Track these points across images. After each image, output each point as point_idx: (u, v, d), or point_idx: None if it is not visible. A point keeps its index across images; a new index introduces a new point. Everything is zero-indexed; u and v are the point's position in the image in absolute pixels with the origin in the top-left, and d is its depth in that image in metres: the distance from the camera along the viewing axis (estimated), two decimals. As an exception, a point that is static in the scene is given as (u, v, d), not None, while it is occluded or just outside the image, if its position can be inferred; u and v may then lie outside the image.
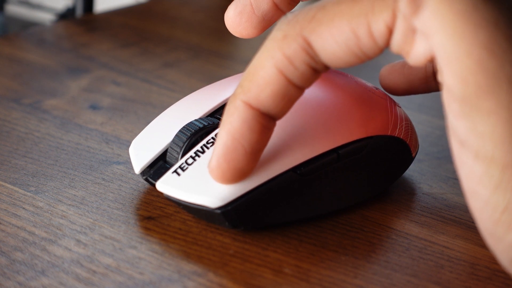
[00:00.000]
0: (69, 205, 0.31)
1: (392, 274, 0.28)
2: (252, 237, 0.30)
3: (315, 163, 0.30)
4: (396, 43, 0.25)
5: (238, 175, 0.28)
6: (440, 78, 0.24)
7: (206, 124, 0.31)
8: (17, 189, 0.32)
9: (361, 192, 0.32)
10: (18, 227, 0.30)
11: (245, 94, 0.27)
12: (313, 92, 0.31)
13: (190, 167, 0.30)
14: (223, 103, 0.32)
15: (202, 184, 0.29)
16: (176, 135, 0.31)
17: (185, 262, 0.28)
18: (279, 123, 0.29)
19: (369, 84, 0.33)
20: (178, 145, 0.31)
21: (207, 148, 0.30)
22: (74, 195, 0.32)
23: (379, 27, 0.25)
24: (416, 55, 0.25)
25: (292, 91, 0.27)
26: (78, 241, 0.29)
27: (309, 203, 0.31)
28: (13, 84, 0.44)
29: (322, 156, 0.30)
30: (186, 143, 0.31)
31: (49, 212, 0.31)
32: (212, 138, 0.30)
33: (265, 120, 0.27)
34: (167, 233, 0.30)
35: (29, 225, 0.30)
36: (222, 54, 0.52)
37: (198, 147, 0.30)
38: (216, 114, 0.32)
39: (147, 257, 0.28)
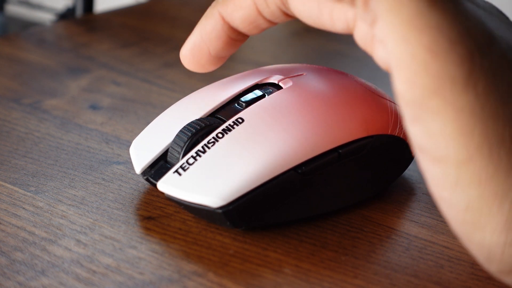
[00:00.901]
0: (69, 205, 0.31)
1: (392, 274, 0.28)
2: (252, 237, 0.30)
3: (316, 162, 0.30)
4: (359, 40, 0.27)
5: (200, 69, 0.32)
6: (394, 86, 0.25)
7: (207, 123, 0.31)
8: (17, 189, 0.32)
9: (362, 191, 0.32)
10: (18, 227, 0.30)
11: (222, 6, 0.30)
12: (314, 92, 0.32)
13: (191, 167, 0.30)
14: (224, 103, 0.32)
15: (203, 184, 0.29)
16: (177, 135, 0.31)
17: (185, 262, 0.28)
18: (279, 122, 0.29)
19: (369, 84, 0.33)
20: (179, 145, 0.31)
21: (208, 148, 0.30)
22: (74, 195, 0.32)
23: (340, 19, 0.27)
24: (378, 59, 0.26)
25: (261, 21, 0.30)
26: (78, 241, 0.29)
27: (310, 202, 0.31)
28: (13, 84, 0.44)
29: (323, 156, 0.30)
30: (187, 143, 0.31)
31: (49, 212, 0.31)
32: (213, 137, 0.30)
33: (234, 34, 0.31)
34: (167, 233, 0.30)
35: (29, 225, 0.30)
36: (222, 54, 0.52)
37: (199, 146, 0.30)
38: (217, 114, 0.32)
39: (147, 257, 0.28)
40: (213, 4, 0.31)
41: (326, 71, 0.33)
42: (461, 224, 0.25)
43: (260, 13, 0.29)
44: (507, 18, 0.29)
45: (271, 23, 0.30)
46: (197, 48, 0.31)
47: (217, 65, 0.32)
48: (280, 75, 0.33)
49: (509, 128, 0.23)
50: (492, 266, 0.25)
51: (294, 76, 0.32)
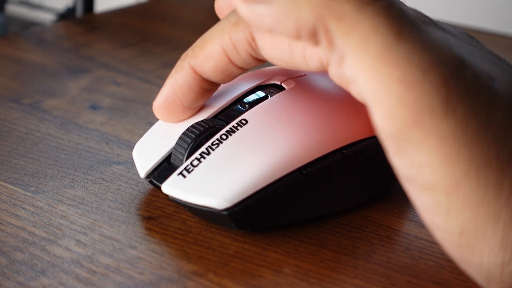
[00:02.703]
0: (69, 205, 0.31)
1: (392, 274, 0.28)
2: (252, 237, 0.30)
3: (320, 163, 0.30)
4: (333, 77, 0.27)
5: (173, 120, 0.32)
6: (373, 121, 0.25)
7: (210, 125, 0.31)
8: (17, 189, 0.32)
9: (365, 191, 0.32)
10: (18, 227, 0.30)
11: (192, 58, 0.30)
12: (317, 92, 0.32)
13: (195, 169, 0.30)
14: (227, 104, 0.32)
15: (208, 185, 0.29)
16: (181, 137, 0.31)
17: (185, 262, 0.28)
18: (283, 123, 0.29)
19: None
20: (183, 147, 0.31)
21: (212, 149, 0.30)
22: (74, 195, 0.32)
23: (313, 58, 0.27)
24: (355, 95, 0.26)
25: (233, 69, 0.30)
26: (78, 241, 0.29)
27: (315, 203, 0.31)
28: (13, 84, 0.44)
29: (327, 156, 0.30)
30: (191, 145, 0.31)
31: (49, 212, 0.31)
32: (217, 139, 0.30)
33: (206, 84, 0.31)
34: (167, 233, 0.30)
35: (29, 225, 0.30)
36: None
37: (203, 148, 0.30)
38: (220, 115, 0.32)
39: (147, 257, 0.28)
40: (183, 56, 0.31)
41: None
42: (457, 249, 0.25)
43: (231, 61, 0.30)
44: (477, 42, 0.29)
45: (243, 69, 0.30)
46: (170, 101, 0.31)
47: (189, 114, 0.32)
48: (283, 76, 0.33)
49: (494, 149, 0.23)
50: (492, 286, 0.25)
51: (297, 76, 0.32)
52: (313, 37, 0.25)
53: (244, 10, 0.25)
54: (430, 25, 0.26)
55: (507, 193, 0.23)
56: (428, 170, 0.24)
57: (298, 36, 0.25)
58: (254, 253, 0.29)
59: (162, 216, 0.31)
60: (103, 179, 0.34)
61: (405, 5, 0.25)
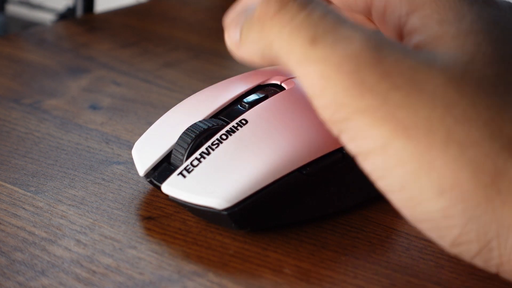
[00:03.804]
0: (69, 205, 0.31)
1: (392, 274, 0.28)
2: (252, 237, 0.30)
3: (320, 163, 0.30)
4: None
5: None
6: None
7: (210, 125, 0.31)
8: (17, 189, 0.32)
9: (365, 191, 0.32)
10: (18, 227, 0.30)
11: None
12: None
13: (195, 169, 0.30)
14: (227, 104, 0.32)
15: (208, 185, 0.29)
16: (181, 136, 0.31)
17: (185, 262, 0.28)
18: (283, 123, 0.29)
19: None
20: (183, 147, 0.31)
21: (212, 149, 0.30)
22: (74, 195, 0.32)
23: None
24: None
25: None
26: (78, 241, 0.29)
27: (315, 203, 0.31)
28: (13, 84, 0.44)
29: (328, 156, 0.30)
30: (191, 145, 0.31)
31: (49, 212, 0.31)
32: (217, 139, 0.30)
33: None
34: (167, 233, 0.30)
35: (29, 225, 0.30)
36: (222, 54, 0.52)
37: (203, 148, 0.30)
38: (220, 115, 0.32)
39: (147, 257, 0.28)
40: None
41: None
42: (404, 206, 0.25)
43: None
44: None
45: None
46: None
47: None
48: (283, 76, 0.33)
49: (423, 112, 0.24)
50: (443, 240, 0.25)
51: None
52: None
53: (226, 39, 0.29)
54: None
55: (438, 146, 0.24)
56: (361, 139, 0.25)
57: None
58: (254, 253, 0.29)
59: (162, 216, 0.31)
60: (103, 179, 0.34)
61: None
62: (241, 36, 0.28)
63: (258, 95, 0.32)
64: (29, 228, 0.30)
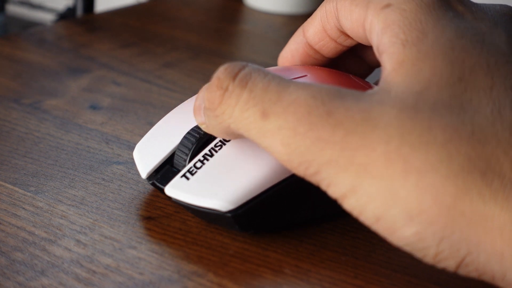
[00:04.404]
0: (69, 205, 0.31)
1: (392, 274, 0.28)
2: (252, 237, 0.30)
3: None
4: None
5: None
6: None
7: None
8: (17, 189, 0.32)
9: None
10: (18, 227, 0.30)
11: (305, 23, 0.34)
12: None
13: (199, 171, 0.30)
14: None
15: (211, 188, 0.29)
16: (183, 138, 0.31)
17: (185, 262, 0.28)
18: None
19: (371, 84, 0.33)
20: (186, 149, 0.31)
21: (216, 151, 0.30)
22: (74, 195, 0.32)
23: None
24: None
25: (327, 38, 0.34)
26: (78, 241, 0.29)
27: (318, 204, 0.31)
28: (13, 84, 0.44)
29: None
30: (194, 147, 0.31)
31: (49, 212, 0.31)
32: (220, 141, 0.30)
33: (311, 50, 0.35)
34: (167, 233, 0.30)
35: (29, 225, 0.30)
36: (222, 54, 0.52)
37: (206, 150, 0.30)
38: None
39: (147, 257, 0.28)
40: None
41: (328, 72, 0.33)
42: (385, 234, 0.26)
43: (324, 29, 0.33)
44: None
45: (336, 42, 0.33)
46: (283, 56, 0.36)
47: None
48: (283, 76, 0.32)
49: (379, 148, 0.25)
50: (426, 258, 0.26)
51: (297, 77, 0.32)
52: None
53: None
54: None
55: (399, 176, 0.25)
56: (333, 186, 0.26)
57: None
58: (254, 253, 0.29)
59: (162, 216, 0.31)
60: (103, 179, 0.34)
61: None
62: (205, 121, 0.29)
63: None
64: (29, 228, 0.30)
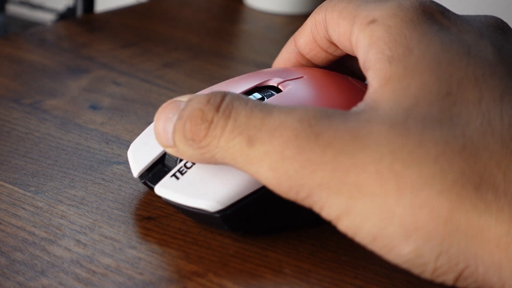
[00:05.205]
0: (69, 205, 0.31)
1: (392, 274, 0.28)
2: (252, 238, 0.30)
3: None
4: None
5: None
6: None
7: None
8: (17, 189, 0.32)
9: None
10: (18, 227, 0.30)
11: (296, 33, 0.34)
12: (313, 95, 0.31)
13: (189, 171, 0.30)
14: None
15: (201, 188, 0.29)
16: None
17: (185, 262, 0.28)
18: None
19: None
20: None
21: None
22: (74, 195, 0.32)
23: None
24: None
25: (317, 48, 0.34)
26: (78, 241, 0.29)
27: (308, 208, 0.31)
28: (13, 84, 0.44)
29: None
30: None
31: (49, 212, 0.31)
32: None
33: (303, 60, 0.35)
34: (167, 233, 0.30)
35: (29, 225, 0.30)
36: (222, 54, 0.52)
37: None
38: None
39: (147, 257, 0.28)
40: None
41: (326, 73, 0.33)
42: (382, 253, 0.26)
43: (314, 39, 0.33)
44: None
45: (327, 53, 0.34)
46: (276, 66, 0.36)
47: None
48: (280, 78, 0.32)
49: (371, 167, 0.25)
50: (424, 274, 0.26)
51: (294, 79, 0.32)
52: None
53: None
54: None
55: (393, 194, 0.25)
56: (327, 208, 0.26)
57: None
58: (254, 253, 0.29)
59: (162, 216, 0.31)
60: (103, 179, 0.34)
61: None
62: (176, 146, 0.28)
63: (254, 97, 0.32)
64: (29, 228, 0.30)
